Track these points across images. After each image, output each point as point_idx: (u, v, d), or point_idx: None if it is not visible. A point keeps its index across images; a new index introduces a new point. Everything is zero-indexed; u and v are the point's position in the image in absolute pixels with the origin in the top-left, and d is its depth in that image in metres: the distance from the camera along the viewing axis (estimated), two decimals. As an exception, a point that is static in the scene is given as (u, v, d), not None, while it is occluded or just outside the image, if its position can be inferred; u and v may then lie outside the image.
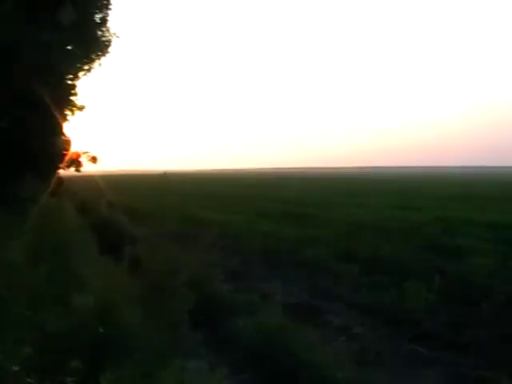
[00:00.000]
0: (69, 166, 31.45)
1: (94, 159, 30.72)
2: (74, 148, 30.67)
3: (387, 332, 7.35)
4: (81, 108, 28.74)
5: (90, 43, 23.93)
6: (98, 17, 23.80)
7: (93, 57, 25.40)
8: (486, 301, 8.70)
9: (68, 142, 29.95)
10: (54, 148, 26.92)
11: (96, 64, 25.92)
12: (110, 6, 24.01)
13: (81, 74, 26.43)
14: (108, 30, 24.83)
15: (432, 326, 7.48)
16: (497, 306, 8.47)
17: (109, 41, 25.22)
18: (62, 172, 35.51)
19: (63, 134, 28.67)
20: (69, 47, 22.64)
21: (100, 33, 24.43)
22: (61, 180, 36.12)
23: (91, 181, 57.80)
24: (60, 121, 26.10)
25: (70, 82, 26.53)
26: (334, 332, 7.28)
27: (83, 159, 30.84)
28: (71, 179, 55.79)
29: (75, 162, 31.02)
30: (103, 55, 25.69)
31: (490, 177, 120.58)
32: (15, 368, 4.99)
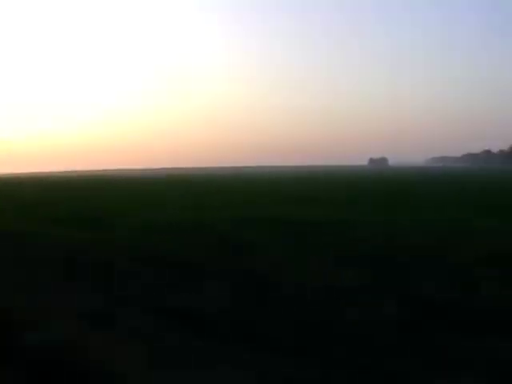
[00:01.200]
0: None
1: None
2: None
3: (185, 333, 7.44)
4: None
5: None
6: None
7: None
8: (276, 295, 9.28)
9: None
10: None
11: None
12: None
13: None
14: None
15: (228, 325, 7.71)
16: (286, 299, 9.05)
17: None
18: None
19: None
20: None
21: None
22: None
23: None
24: None
25: None
26: (128, 337, 7.22)
27: None
28: None
29: None
30: None
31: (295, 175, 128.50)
32: None
